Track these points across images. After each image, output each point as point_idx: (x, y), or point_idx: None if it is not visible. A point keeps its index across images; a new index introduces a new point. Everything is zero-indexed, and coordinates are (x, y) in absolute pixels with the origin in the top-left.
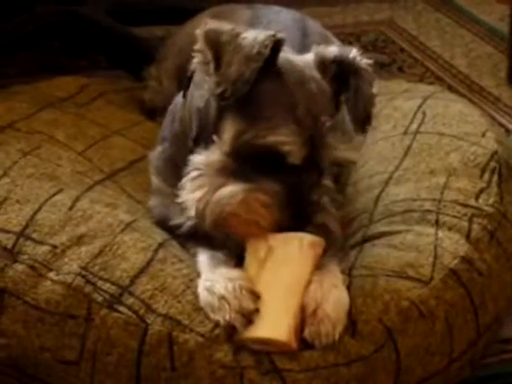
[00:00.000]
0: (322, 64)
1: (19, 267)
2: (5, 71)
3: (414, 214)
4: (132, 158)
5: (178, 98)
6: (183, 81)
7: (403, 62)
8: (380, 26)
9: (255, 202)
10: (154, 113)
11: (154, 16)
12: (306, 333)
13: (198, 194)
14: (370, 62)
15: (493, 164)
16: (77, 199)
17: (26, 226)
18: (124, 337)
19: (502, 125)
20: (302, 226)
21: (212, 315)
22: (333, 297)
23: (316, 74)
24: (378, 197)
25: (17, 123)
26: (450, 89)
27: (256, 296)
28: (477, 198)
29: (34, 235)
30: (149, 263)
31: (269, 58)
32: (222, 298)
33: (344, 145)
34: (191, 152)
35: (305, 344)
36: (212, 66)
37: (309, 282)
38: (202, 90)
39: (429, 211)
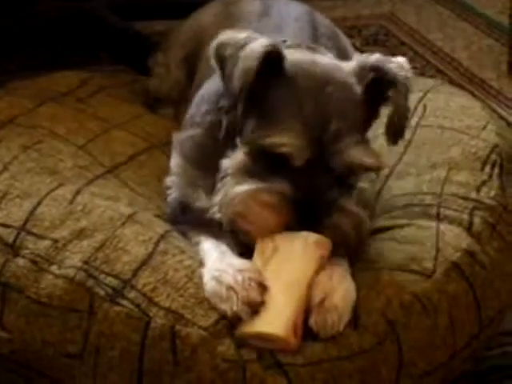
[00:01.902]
0: (362, 71)
1: (21, 262)
2: (6, 67)
3: (415, 207)
4: (133, 151)
5: (210, 85)
6: (192, 70)
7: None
8: (381, 19)
9: (258, 203)
10: (157, 102)
11: (155, 11)
12: (312, 322)
13: (220, 195)
14: (408, 75)
15: (494, 157)
16: (77, 193)
17: (27, 221)
18: (126, 330)
19: (503, 118)
20: (311, 228)
21: (219, 305)
22: (341, 288)
23: (344, 80)
24: (380, 191)
25: (17, 118)
26: (451, 82)
27: (264, 288)
28: (478, 190)
29: (35, 230)
30: (150, 256)
31: (275, 67)
32: (231, 288)
33: (361, 150)
34: (223, 152)
35: (307, 336)
36: (220, 80)
37: (313, 281)
38: None
39: (430, 205)
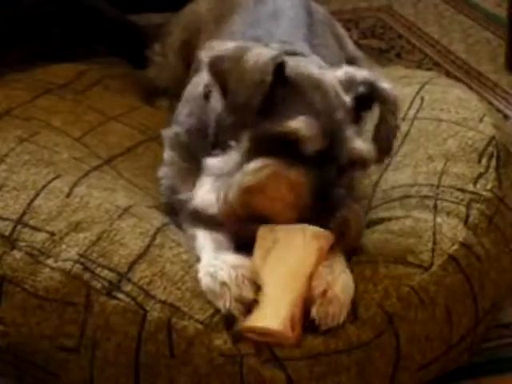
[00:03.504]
0: (349, 83)
1: (17, 254)
2: (2, 59)
3: (412, 199)
4: (129, 143)
5: (193, 86)
6: (190, 58)
7: (401, 48)
8: (378, 12)
9: (284, 178)
10: (153, 94)
11: (152, 3)
12: (314, 312)
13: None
14: (397, 93)
15: (491, 149)
16: (74, 185)
17: (24, 213)
18: (123, 324)
19: (499, 110)
20: (325, 218)
21: (213, 301)
22: (342, 281)
23: (336, 85)
24: (377, 183)
25: (14, 110)
26: (448, 75)
27: (257, 287)
28: (475, 183)
29: (32, 222)
30: (147, 249)
31: (277, 74)
32: (224, 284)
33: (361, 141)
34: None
35: (307, 329)
36: (219, 93)
37: (312, 274)
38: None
39: (427, 197)
